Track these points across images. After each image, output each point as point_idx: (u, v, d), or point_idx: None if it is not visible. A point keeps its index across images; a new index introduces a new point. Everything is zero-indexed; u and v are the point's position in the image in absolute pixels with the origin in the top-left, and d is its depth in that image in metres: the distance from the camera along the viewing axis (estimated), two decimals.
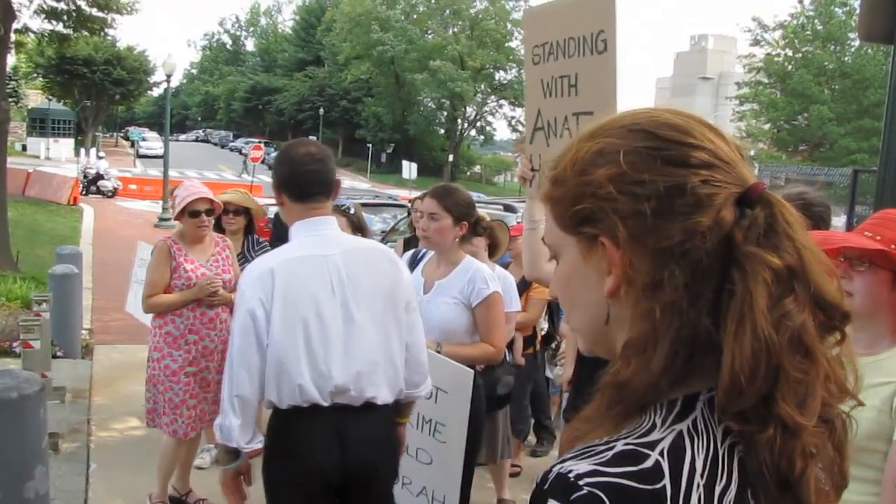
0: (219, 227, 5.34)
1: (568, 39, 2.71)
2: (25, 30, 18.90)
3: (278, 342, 2.67)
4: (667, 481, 0.81)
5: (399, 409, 3.02)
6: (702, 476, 0.83)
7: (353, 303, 2.74)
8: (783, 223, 0.87)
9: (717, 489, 0.84)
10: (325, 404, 2.71)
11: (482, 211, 4.06)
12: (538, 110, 2.92)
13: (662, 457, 0.83)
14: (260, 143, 36.59)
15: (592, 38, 2.59)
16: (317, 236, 2.79)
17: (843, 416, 0.90)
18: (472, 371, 3.37)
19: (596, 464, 0.82)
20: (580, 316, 1.00)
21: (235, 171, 43.81)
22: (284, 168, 2.86)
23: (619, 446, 0.84)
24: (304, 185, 2.80)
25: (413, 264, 3.82)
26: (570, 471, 0.82)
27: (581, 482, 0.81)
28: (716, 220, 0.86)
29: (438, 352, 3.42)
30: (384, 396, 2.81)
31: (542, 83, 2.87)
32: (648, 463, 0.82)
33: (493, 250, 4.65)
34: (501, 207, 10.36)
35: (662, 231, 0.87)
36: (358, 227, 4.34)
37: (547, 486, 0.83)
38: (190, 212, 4.57)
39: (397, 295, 2.84)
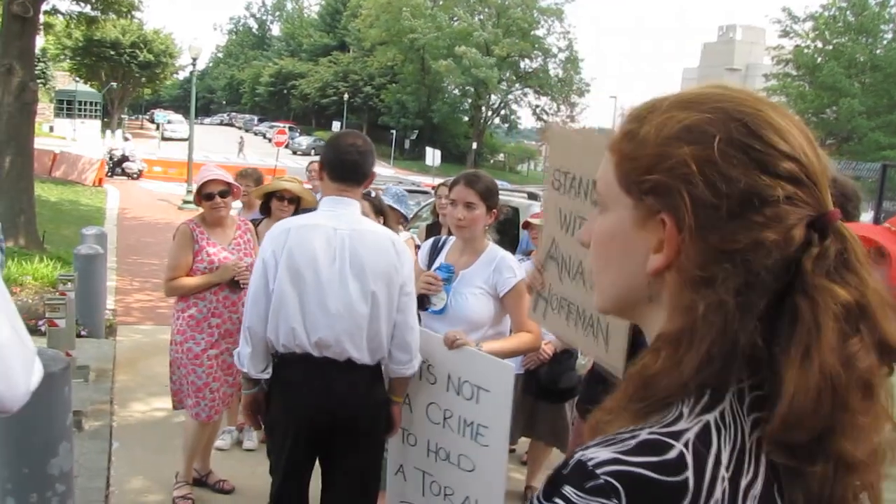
0: (266, 211, 5.41)
1: (589, 179, 2.56)
2: (54, 11, 19.07)
3: (280, 288, 3.12)
4: (690, 473, 0.79)
5: (391, 387, 3.38)
6: (727, 469, 0.81)
7: (349, 273, 3.12)
8: (854, 259, 0.84)
9: (743, 483, 0.82)
10: (315, 354, 3.13)
11: (506, 199, 4.04)
12: (553, 239, 2.82)
13: (687, 448, 0.81)
14: (285, 127, 36.64)
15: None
16: (334, 213, 3.21)
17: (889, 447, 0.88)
18: (511, 365, 3.27)
19: (618, 452, 0.81)
20: (611, 278, 0.96)
21: (259, 155, 43.92)
22: (330, 151, 3.29)
23: (644, 435, 0.82)
24: (340, 169, 3.23)
25: (435, 252, 3.78)
26: (591, 458, 0.81)
27: (599, 471, 0.79)
28: (785, 238, 0.83)
29: (478, 349, 3.34)
30: (364, 359, 3.17)
31: (559, 212, 2.76)
32: (672, 454, 0.80)
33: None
34: (526, 195, 10.31)
35: (730, 232, 0.83)
36: (379, 211, 4.34)
37: (567, 471, 0.82)
38: (204, 194, 4.61)
39: (393, 276, 3.18)
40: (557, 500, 0.81)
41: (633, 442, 0.82)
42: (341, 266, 3.12)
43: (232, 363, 4.58)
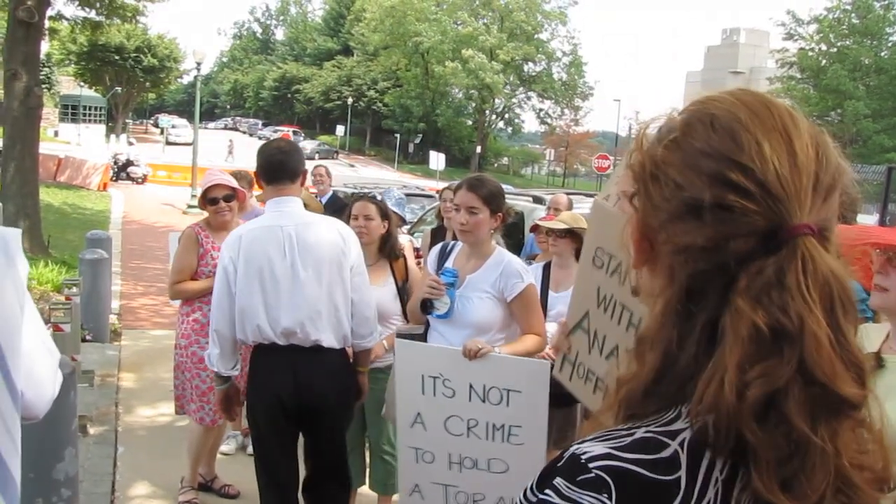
0: None
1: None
2: (59, 17, 19.14)
3: (241, 290, 3.43)
4: (682, 473, 0.79)
5: (356, 358, 3.73)
6: (721, 471, 0.80)
7: (299, 264, 3.43)
8: (795, 280, 0.79)
9: (736, 489, 0.81)
10: (281, 343, 3.44)
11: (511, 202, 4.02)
12: (587, 312, 2.79)
13: (682, 448, 0.81)
14: (289, 131, 36.68)
15: None
16: (279, 212, 3.51)
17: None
18: (548, 363, 3.26)
19: (612, 447, 0.81)
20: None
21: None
22: (259, 158, 3.61)
23: (640, 433, 0.82)
24: (270, 171, 3.55)
25: (443, 258, 3.76)
26: (585, 452, 0.81)
27: (591, 465, 0.80)
28: (717, 245, 0.81)
29: (500, 354, 3.32)
30: (329, 341, 3.49)
31: (598, 290, 2.73)
32: (666, 452, 0.80)
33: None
34: (530, 199, 10.29)
35: (672, 233, 0.84)
36: (385, 215, 4.35)
37: (560, 463, 0.83)
38: (209, 199, 4.62)
39: (342, 261, 3.49)
40: (549, 491, 0.82)
41: (628, 438, 0.82)
42: (292, 259, 3.43)
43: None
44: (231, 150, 47.74)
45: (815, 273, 0.79)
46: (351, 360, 3.73)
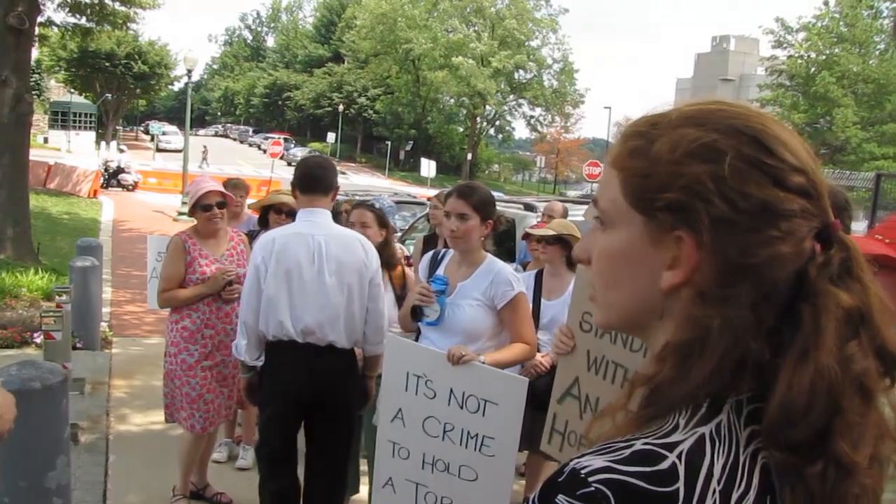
0: (264, 224, 5.41)
1: None
2: (49, 23, 19.08)
3: (270, 287, 3.74)
4: (681, 484, 0.80)
5: (366, 363, 4.03)
6: (719, 482, 0.82)
7: (325, 271, 3.74)
8: (857, 267, 0.87)
9: (735, 496, 0.83)
10: (299, 341, 3.75)
11: (501, 208, 4.03)
12: (576, 378, 2.83)
13: (680, 460, 0.82)
14: (280, 139, 36.61)
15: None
16: (310, 221, 3.83)
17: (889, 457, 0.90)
18: (526, 380, 3.30)
19: (611, 461, 0.82)
20: (620, 295, 0.95)
21: (254, 166, 43.86)
22: (299, 171, 3.95)
23: (638, 445, 0.83)
24: (307, 184, 3.87)
25: (434, 265, 3.78)
26: (585, 466, 0.82)
27: (591, 479, 0.80)
28: (798, 250, 0.85)
29: (483, 363, 3.34)
30: (342, 342, 3.81)
31: (587, 354, 2.76)
32: (664, 465, 0.81)
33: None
34: (521, 206, 10.31)
35: (747, 247, 0.84)
36: (383, 224, 4.36)
37: (561, 478, 0.83)
38: (202, 206, 4.60)
39: (363, 271, 3.83)
40: None
41: (627, 451, 0.83)
42: (320, 265, 3.74)
43: (227, 375, 4.60)
44: (205, 156, 47.31)
45: (862, 259, 0.88)
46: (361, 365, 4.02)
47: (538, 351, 4.70)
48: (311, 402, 3.83)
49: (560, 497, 0.82)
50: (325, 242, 3.76)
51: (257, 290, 3.76)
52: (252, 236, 5.26)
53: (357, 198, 10.60)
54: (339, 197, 4.27)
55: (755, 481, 0.84)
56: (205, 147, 49.81)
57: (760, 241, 0.84)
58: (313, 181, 3.86)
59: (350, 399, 3.95)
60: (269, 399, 3.87)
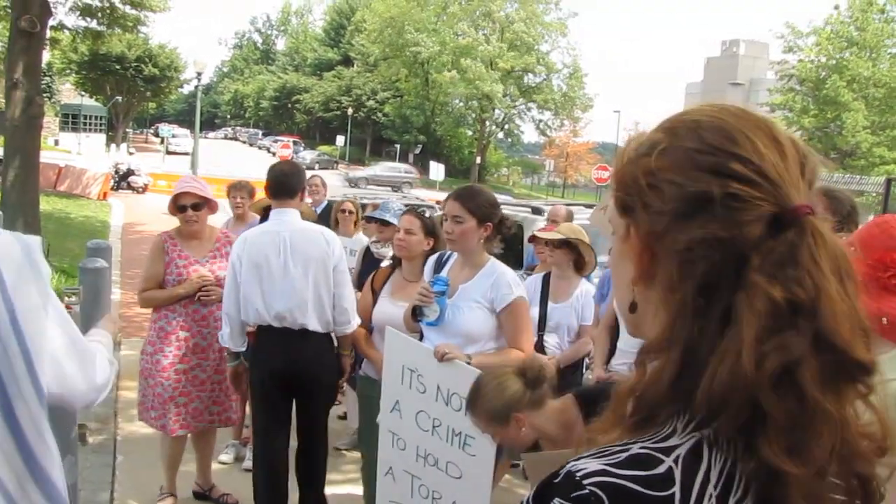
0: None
1: None
2: (60, 26, 19.19)
3: (245, 281, 4.20)
4: (677, 489, 0.81)
5: (339, 342, 4.41)
6: (715, 487, 0.82)
7: (290, 262, 4.19)
8: (808, 255, 0.82)
9: (731, 501, 0.83)
10: (276, 325, 4.19)
11: (508, 212, 4.03)
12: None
13: (676, 464, 0.82)
14: (289, 141, 36.67)
15: None
16: (279, 220, 4.31)
17: (877, 480, 0.86)
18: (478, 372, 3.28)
19: (607, 464, 0.82)
20: (618, 296, 1.01)
21: (263, 169, 43.82)
22: (267, 178, 4.41)
23: (635, 449, 0.84)
24: (274, 189, 4.36)
25: (439, 267, 3.77)
26: (580, 469, 0.83)
27: (586, 481, 0.81)
28: (734, 235, 0.83)
29: (469, 363, 3.33)
30: (314, 325, 4.21)
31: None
32: (660, 469, 0.82)
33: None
34: (529, 210, 10.31)
35: (681, 234, 0.85)
36: (430, 232, 4.25)
37: (557, 480, 0.84)
38: (178, 206, 4.58)
39: (326, 261, 4.23)
40: None
41: (623, 455, 0.84)
42: (285, 258, 4.18)
43: (205, 379, 4.61)
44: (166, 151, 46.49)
45: (825, 246, 0.83)
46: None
47: (544, 353, 4.72)
48: (291, 380, 4.23)
49: (556, 500, 0.82)
50: (289, 237, 4.21)
51: (235, 284, 4.23)
52: None
53: (365, 200, 10.64)
54: (339, 197, 4.55)
55: (753, 488, 0.83)
56: (166, 146, 48.78)
57: (694, 227, 0.85)
58: (279, 186, 4.34)
59: (324, 376, 4.33)
60: (256, 379, 4.32)
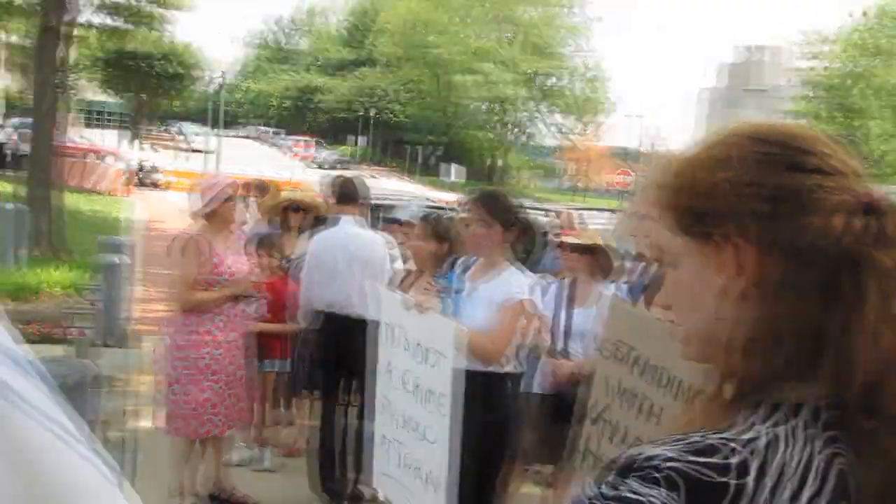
0: (285, 224, 5.84)
1: (655, 365, 2.64)
2: (87, 24, 19.38)
3: (313, 270, 5.04)
4: (751, 479, 0.82)
5: None
6: (790, 480, 0.84)
7: (350, 261, 4.91)
8: (893, 231, 0.89)
9: (805, 495, 0.84)
10: (337, 312, 4.92)
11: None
12: (607, 405, 2.85)
13: (752, 455, 0.84)
14: (311, 141, 36.82)
15: (677, 385, 2.52)
16: (339, 225, 5.07)
17: None
18: (452, 323, 3.30)
19: (684, 450, 0.84)
20: (699, 320, 0.99)
21: (276, 169, 44.03)
22: (335, 188, 5.23)
23: (713, 439, 0.85)
24: (339, 197, 5.22)
25: (464, 271, 3.79)
26: (657, 455, 0.84)
27: (664, 465, 0.83)
28: (827, 223, 0.88)
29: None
30: (359, 316, 4.45)
31: (619, 384, 2.80)
32: (736, 458, 0.83)
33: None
34: (546, 214, 10.28)
35: (790, 232, 0.89)
36: (441, 236, 4.35)
37: (633, 464, 0.85)
38: (224, 197, 4.58)
39: (375, 262, 4.94)
40: (622, 488, 0.84)
41: (700, 444, 0.85)
42: (344, 256, 4.92)
43: (235, 381, 4.60)
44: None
45: None
46: None
47: (569, 360, 4.68)
48: (340, 358, 4.88)
49: (632, 480, 0.84)
50: (349, 240, 4.98)
51: (310, 275, 5.05)
52: (275, 238, 5.68)
53: (387, 202, 10.64)
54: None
55: (830, 484, 0.85)
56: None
57: (797, 224, 0.89)
58: (343, 196, 5.18)
59: (362, 358, 4.27)
60: (318, 356, 5.14)
